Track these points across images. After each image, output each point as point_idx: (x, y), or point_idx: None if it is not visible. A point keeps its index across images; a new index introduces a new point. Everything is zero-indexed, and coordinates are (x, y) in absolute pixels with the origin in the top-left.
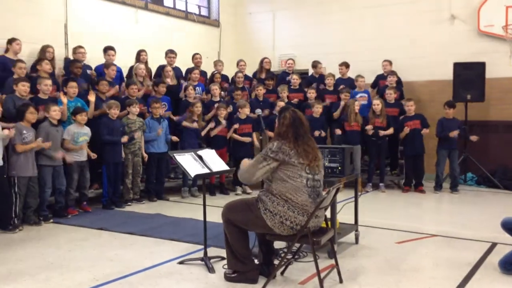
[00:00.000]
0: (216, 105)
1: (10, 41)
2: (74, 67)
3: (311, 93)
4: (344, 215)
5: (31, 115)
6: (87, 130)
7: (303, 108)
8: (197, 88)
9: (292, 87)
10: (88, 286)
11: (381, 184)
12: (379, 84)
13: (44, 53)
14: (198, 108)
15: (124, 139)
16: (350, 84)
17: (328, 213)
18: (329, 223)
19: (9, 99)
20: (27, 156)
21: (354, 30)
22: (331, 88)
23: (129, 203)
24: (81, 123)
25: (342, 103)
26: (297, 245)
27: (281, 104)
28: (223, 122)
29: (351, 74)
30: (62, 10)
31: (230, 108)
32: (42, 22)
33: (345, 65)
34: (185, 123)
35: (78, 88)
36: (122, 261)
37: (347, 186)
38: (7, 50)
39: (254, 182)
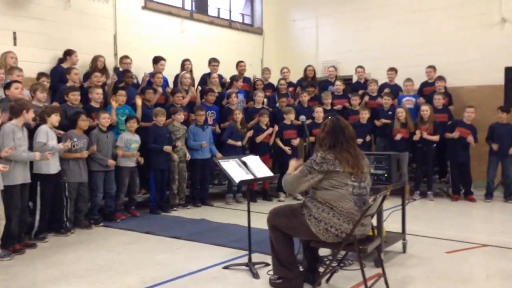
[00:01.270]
0: (259, 112)
1: (69, 53)
2: (126, 77)
3: (355, 100)
4: (391, 224)
5: (83, 122)
6: (138, 137)
7: (347, 114)
8: (239, 95)
9: (335, 93)
10: None
11: (429, 192)
12: (423, 91)
13: (96, 63)
14: (238, 116)
15: (167, 148)
16: (397, 90)
17: (374, 221)
18: (375, 231)
19: (61, 109)
20: (78, 162)
21: (398, 36)
22: (374, 94)
23: (175, 208)
24: (132, 130)
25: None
26: (343, 252)
27: (319, 110)
28: (266, 128)
29: (396, 80)
30: (111, 21)
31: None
32: (93, 33)
33: (394, 70)
34: (230, 142)
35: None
36: (169, 265)
37: (394, 194)
38: (62, 61)
39: (298, 192)
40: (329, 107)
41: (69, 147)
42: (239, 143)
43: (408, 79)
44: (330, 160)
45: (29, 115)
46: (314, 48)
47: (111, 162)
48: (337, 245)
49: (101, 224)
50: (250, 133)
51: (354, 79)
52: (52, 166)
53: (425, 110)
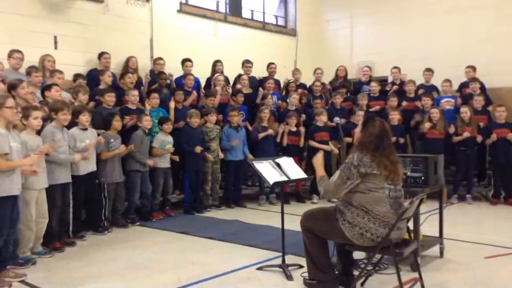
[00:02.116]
0: (287, 114)
1: (101, 55)
2: (159, 79)
3: (393, 101)
4: (428, 228)
5: (117, 123)
6: (171, 138)
7: (384, 116)
8: (273, 96)
9: (371, 94)
10: (172, 287)
11: (468, 195)
12: (462, 92)
13: (128, 64)
14: (265, 114)
15: (197, 149)
16: (433, 91)
17: (411, 225)
18: (412, 235)
19: (97, 111)
20: (114, 163)
21: (435, 36)
22: (412, 95)
23: (209, 209)
24: (166, 131)
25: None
26: (378, 256)
27: (360, 113)
28: (293, 130)
29: (433, 81)
30: (148, 25)
31: (303, 117)
32: (130, 37)
33: (431, 71)
34: (260, 135)
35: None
36: (203, 265)
37: (431, 197)
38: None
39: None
40: (365, 109)
41: (99, 142)
42: (270, 131)
43: (446, 80)
44: (367, 162)
45: (63, 118)
46: (349, 49)
47: (150, 162)
48: (372, 248)
49: (138, 223)
50: (281, 128)
51: (389, 80)
52: (82, 167)
53: (465, 111)
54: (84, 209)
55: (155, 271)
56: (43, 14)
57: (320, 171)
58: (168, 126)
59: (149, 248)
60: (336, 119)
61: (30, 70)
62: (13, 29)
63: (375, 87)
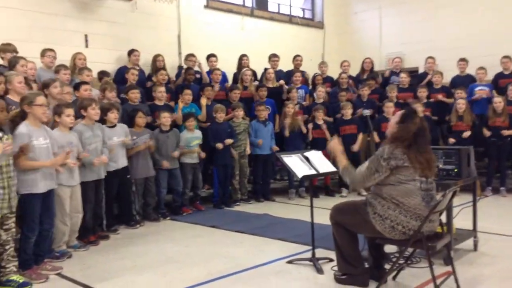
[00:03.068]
0: (314, 108)
1: (130, 53)
2: (187, 74)
3: (422, 92)
4: (462, 221)
5: (140, 119)
6: (198, 133)
7: None
8: (299, 90)
9: (400, 86)
10: (204, 280)
11: (502, 188)
12: (498, 83)
13: (155, 62)
14: (289, 109)
15: (219, 146)
16: (469, 81)
17: (443, 218)
18: (444, 228)
19: (123, 108)
20: (140, 159)
21: (467, 24)
22: (438, 86)
23: (238, 203)
24: (191, 128)
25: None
26: (410, 249)
27: (389, 104)
28: (320, 123)
29: (467, 71)
30: (175, 21)
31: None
32: (158, 33)
33: (465, 61)
34: (286, 132)
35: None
36: (234, 258)
37: (464, 190)
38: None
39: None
40: (394, 100)
41: (127, 142)
42: (287, 120)
43: (481, 68)
44: (398, 155)
45: (93, 112)
46: (377, 40)
47: (165, 164)
48: (404, 242)
49: (168, 218)
50: (310, 126)
51: (420, 71)
52: (112, 163)
53: (498, 101)
54: (117, 203)
55: (186, 265)
56: (74, 13)
57: (341, 159)
58: (190, 123)
59: (180, 242)
60: (366, 111)
61: (58, 68)
62: (45, 28)
63: (404, 78)
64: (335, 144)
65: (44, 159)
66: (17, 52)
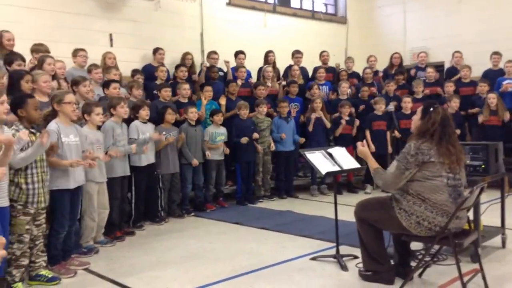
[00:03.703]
0: (340, 103)
1: (155, 51)
2: (210, 72)
3: (450, 87)
4: (489, 218)
5: (170, 116)
6: (223, 130)
7: (440, 103)
8: (323, 87)
9: (427, 81)
10: (228, 276)
11: None
12: None
13: (184, 60)
14: (318, 105)
15: (243, 140)
16: (501, 75)
17: (471, 215)
18: (472, 225)
19: (153, 105)
20: (169, 154)
21: (496, 17)
22: (467, 81)
23: (261, 200)
24: (217, 123)
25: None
26: (436, 246)
27: (407, 100)
28: (347, 119)
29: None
30: (198, 19)
31: (362, 107)
32: (181, 32)
33: (499, 54)
34: (310, 127)
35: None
36: (257, 254)
37: (492, 186)
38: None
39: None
40: (420, 96)
41: (160, 137)
42: (314, 115)
43: (510, 61)
44: (424, 150)
45: (122, 111)
46: (402, 35)
47: (195, 162)
48: (430, 239)
49: (192, 214)
50: (343, 121)
51: (446, 66)
52: (143, 159)
53: None
54: (143, 200)
55: (210, 260)
56: (99, 13)
57: (371, 162)
58: (219, 118)
59: (204, 238)
60: (390, 107)
61: (90, 68)
62: (71, 28)
63: (431, 73)
64: (363, 148)
65: (73, 156)
66: (49, 52)
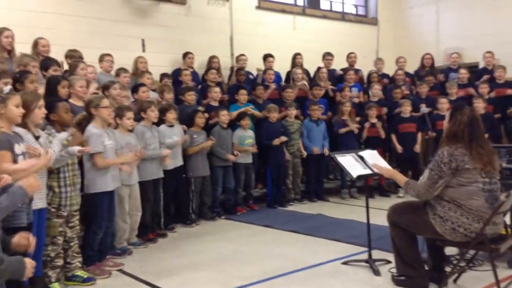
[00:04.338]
0: (366, 106)
1: (184, 55)
2: (238, 74)
3: (484, 88)
4: None
5: (200, 119)
6: (251, 133)
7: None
8: (353, 88)
9: (459, 82)
10: (259, 279)
11: None
12: None
13: (211, 63)
14: (347, 108)
15: (275, 141)
16: None
17: (507, 219)
18: (509, 229)
19: (180, 109)
20: (200, 158)
21: None
22: (501, 81)
23: (291, 203)
24: (245, 127)
25: None
26: (472, 251)
27: (443, 101)
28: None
29: None
30: (228, 23)
31: (384, 110)
32: (211, 36)
33: None
34: (342, 130)
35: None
36: (288, 258)
37: None
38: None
39: None
40: (454, 97)
41: (185, 141)
42: (353, 127)
43: None
44: (459, 156)
45: (152, 114)
46: (434, 35)
47: (230, 157)
48: (465, 244)
49: (223, 217)
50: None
51: (481, 66)
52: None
53: None
54: (173, 202)
55: (241, 263)
56: (131, 19)
57: (399, 177)
58: (246, 122)
59: (235, 241)
60: (423, 108)
61: (119, 72)
62: (105, 34)
63: (464, 74)
64: (385, 169)
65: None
66: (82, 58)
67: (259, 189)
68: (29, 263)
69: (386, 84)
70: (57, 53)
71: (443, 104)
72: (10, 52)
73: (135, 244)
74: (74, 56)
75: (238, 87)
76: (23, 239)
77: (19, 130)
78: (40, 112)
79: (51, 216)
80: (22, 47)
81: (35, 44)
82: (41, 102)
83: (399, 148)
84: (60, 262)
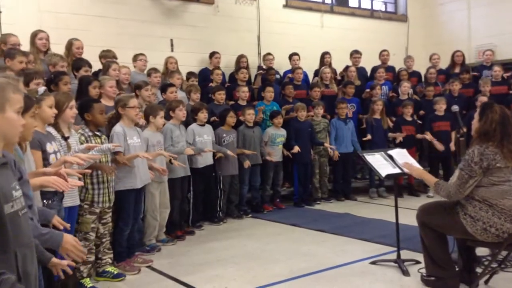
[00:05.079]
0: (402, 104)
1: (212, 55)
2: (268, 74)
3: None
4: None
5: (231, 119)
6: (283, 131)
7: (508, 102)
8: (383, 87)
9: (493, 80)
10: (286, 277)
11: None
12: None
13: (239, 63)
14: (378, 107)
15: (295, 149)
16: None
17: None
18: None
19: (209, 108)
20: (229, 156)
21: None
22: None
23: (318, 202)
24: (277, 125)
25: None
26: (504, 252)
27: (483, 99)
28: (409, 120)
29: None
30: (255, 22)
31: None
32: (239, 35)
33: None
34: (391, 135)
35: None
36: (315, 257)
37: None
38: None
39: None
40: (487, 95)
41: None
42: (400, 136)
43: None
44: (490, 155)
45: (180, 113)
46: (466, 32)
47: (247, 163)
48: (497, 244)
49: (249, 215)
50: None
51: None
52: (201, 161)
53: None
54: (202, 200)
55: (268, 261)
56: (161, 19)
57: (428, 178)
58: (278, 121)
59: (262, 239)
60: (455, 107)
61: (150, 72)
62: (135, 35)
63: (498, 71)
64: (414, 169)
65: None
66: (116, 58)
67: (286, 187)
68: (69, 237)
69: (416, 82)
70: (89, 54)
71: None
72: (45, 53)
73: (163, 241)
74: (108, 56)
75: (265, 85)
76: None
77: (51, 130)
78: (71, 112)
79: (84, 213)
80: (55, 48)
81: (70, 45)
82: (72, 102)
83: (439, 145)
84: (91, 257)
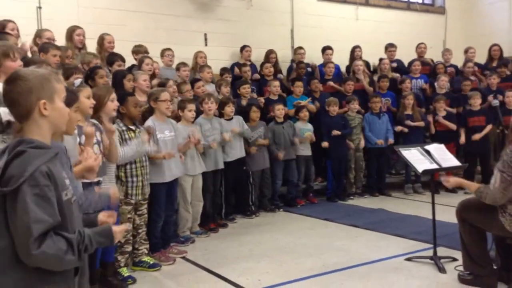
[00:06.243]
0: (435, 98)
1: (242, 49)
2: (298, 68)
3: None
4: None
5: (254, 113)
6: (310, 126)
7: None
8: (418, 80)
9: None
10: (319, 272)
11: None
12: None
13: (268, 58)
14: (409, 101)
15: (334, 132)
16: None
17: None
18: None
19: (236, 102)
20: (259, 151)
21: None
22: None
23: (351, 197)
24: (304, 119)
25: None
26: None
27: (510, 94)
28: (443, 115)
29: None
30: (289, 16)
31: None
32: (272, 29)
33: None
34: (408, 123)
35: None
36: (349, 252)
37: None
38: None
39: None
40: None
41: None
42: (420, 123)
43: None
44: None
45: (206, 107)
46: (507, 24)
47: (280, 155)
48: None
49: (282, 209)
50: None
51: None
52: (231, 154)
53: None
54: (234, 194)
55: (301, 255)
56: (195, 14)
57: (468, 185)
58: (304, 114)
59: (294, 233)
60: (495, 101)
61: (179, 66)
62: (170, 29)
63: None
64: (451, 180)
65: (169, 151)
66: (148, 53)
67: (319, 182)
68: (117, 228)
69: (453, 75)
70: (124, 48)
71: (511, 98)
72: (81, 49)
73: (197, 233)
74: (140, 51)
75: (294, 79)
76: (110, 217)
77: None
78: (112, 105)
79: (120, 203)
80: (91, 43)
81: (101, 40)
82: (113, 95)
83: (477, 136)
84: (129, 248)
